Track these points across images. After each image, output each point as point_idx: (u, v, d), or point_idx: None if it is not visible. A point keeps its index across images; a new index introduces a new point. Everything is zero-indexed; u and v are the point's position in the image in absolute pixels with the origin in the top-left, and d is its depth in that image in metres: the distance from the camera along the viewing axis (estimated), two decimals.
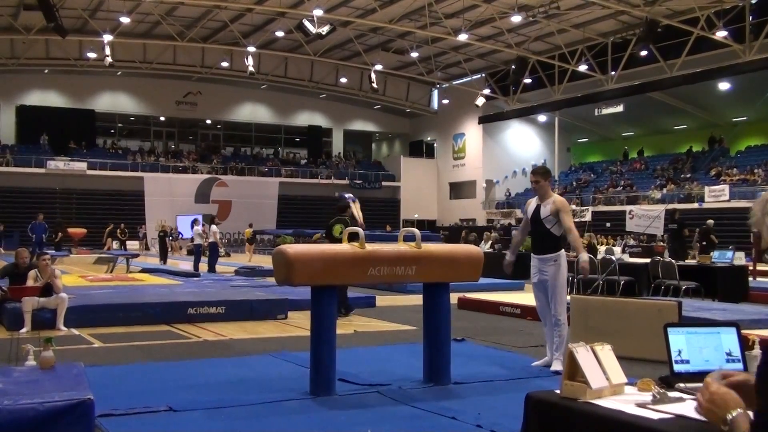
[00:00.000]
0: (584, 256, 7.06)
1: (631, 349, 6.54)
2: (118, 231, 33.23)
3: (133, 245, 35.45)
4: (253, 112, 48.23)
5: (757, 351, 3.26)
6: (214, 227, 21.74)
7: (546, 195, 6.82)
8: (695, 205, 32.25)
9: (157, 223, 35.30)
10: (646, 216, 30.10)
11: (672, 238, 19.03)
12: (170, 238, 32.52)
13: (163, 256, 27.50)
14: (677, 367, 2.81)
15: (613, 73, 33.98)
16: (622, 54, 33.07)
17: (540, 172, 6.94)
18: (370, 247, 5.64)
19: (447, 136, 48.09)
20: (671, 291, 12.98)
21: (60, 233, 27.69)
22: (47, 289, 9.24)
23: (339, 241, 10.93)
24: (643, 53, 31.57)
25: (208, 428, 4.67)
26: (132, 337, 8.81)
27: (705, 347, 2.85)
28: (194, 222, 23.09)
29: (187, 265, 24.59)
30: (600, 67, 34.70)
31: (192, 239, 31.12)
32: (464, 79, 42.96)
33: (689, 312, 8.91)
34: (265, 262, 22.65)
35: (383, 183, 47.41)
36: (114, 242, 35.08)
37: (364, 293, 13.00)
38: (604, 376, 2.72)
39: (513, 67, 36.40)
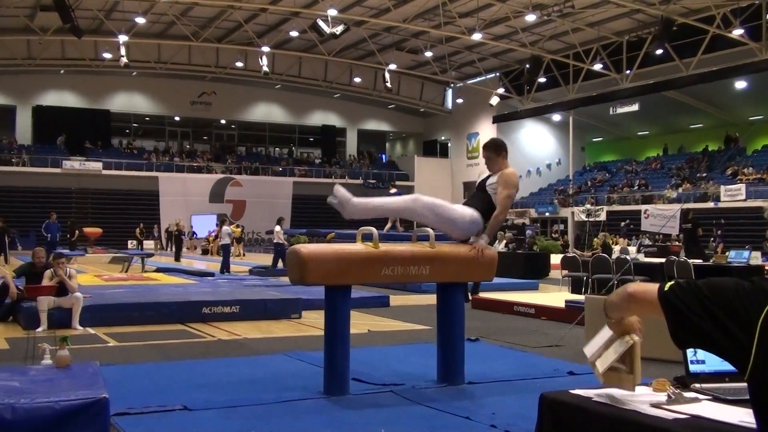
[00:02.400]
0: (484, 240, 5.88)
1: (646, 349, 6.47)
2: (137, 231, 33.80)
3: (148, 244, 35.71)
4: (267, 112, 48.34)
5: None
6: (278, 228, 21.53)
7: (496, 168, 6.00)
8: (711, 205, 32.06)
9: (171, 223, 35.76)
10: (662, 215, 29.92)
11: (686, 238, 18.92)
12: (185, 236, 33.12)
13: (177, 255, 27.76)
14: (693, 368, 2.79)
15: (628, 71, 33.81)
16: (637, 53, 32.89)
17: (489, 146, 6.12)
18: (384, 246, 5.64)
19: (461, 136, 48.01)
20: None
21: (76, 232, 27.88)
22: (63, 289, 9.31)
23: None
24: (659, 52, 31.37)
25: (223, 427, 4.68)
26: (147, 336, 8.86)
27: None
28: (222, 222, 22.98)
29: (201, 264, 24.70)
30: (615, 66, 34.54)
31: (217, 237, 31.67)
32: (478, 79, 42.89)
33: None
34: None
35: (397, 183, 47.41)
36: (131, 242, 35.56)
37: (378, 293, 13.02)
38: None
39: (527, 66, 36.30)
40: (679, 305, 1.93)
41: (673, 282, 1.99)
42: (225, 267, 20.28)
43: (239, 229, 34.38)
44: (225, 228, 21.55)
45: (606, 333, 2.61)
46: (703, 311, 1.88)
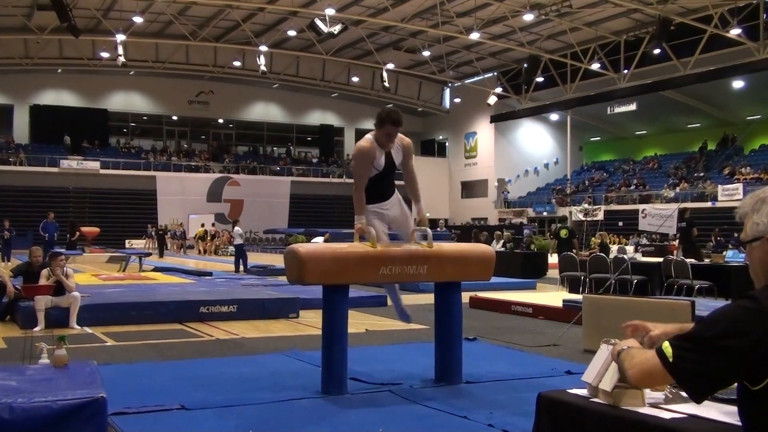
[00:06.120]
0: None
1: None
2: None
3: (141, 244, 35.74)
4: (265, 112, 48.33)
5: None
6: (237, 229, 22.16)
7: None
8: (708, 204, 32.11)
9: (172, 222, 36.63)
10: (659, 215, 29.97)
11: (681, 237, 18.93)
12: (168, 235, 34.54)
13: (161, 252, 29.91)
14: None
15: (625, 71, 33.86)
16: (634, 52, 32.95)
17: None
18: (382, 246, 5.64)
19: (459, 135, 48.05)
20: (684, 290, 12.91)
21: (77, 233, 27.83)
22: (60, 288, 9.30)
23: (563, 240, 16.38)
24: (656, 51, 31.44)
25: (221, 427, 4.68)
26: (145, 335, 8.85)
27: None
28: (235, 222, 23.52)
29: (200, 264, 24.68)
30: (612, 66, 34.58)
31: (215, 237, 32.84)
32: (476, 78, 42.91)
33: (702, 311, 8.82)
34: (276, 261, 22.70)
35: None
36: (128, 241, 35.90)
37: (376, 292, 13.00)
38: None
39: (525, 65, 36.35)
40: (695, 367, 1.87)
41: (669, 348, 1.92)
42: (244, 266, 20.89)
43: (202, 229, 35.97)
44: (237, 229, 22.12)
45: (603, 355, 2.62)
46: (720, 354, 1.83)
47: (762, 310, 1.82)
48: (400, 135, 5.75)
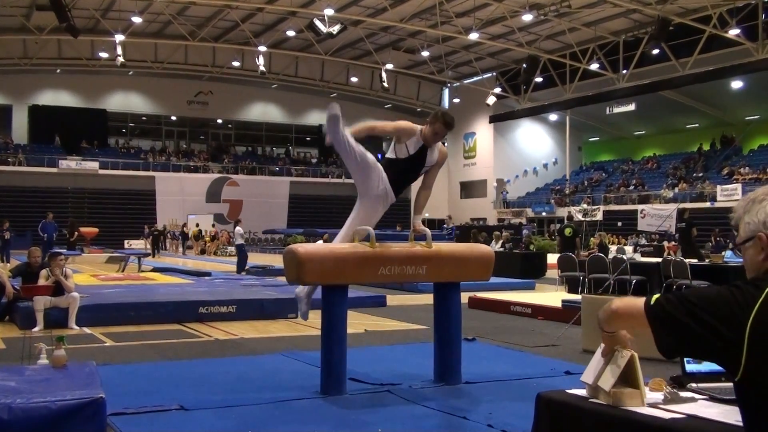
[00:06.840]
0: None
1: (643, 349, 6.49)
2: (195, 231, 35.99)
3: (139, 244, 35.79)
4: (263, 112, 48.31)
5: None
6: (239, 229, 22.34)
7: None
8: (707, 204, 32.11)
9: (171, 222, 36.77)
10: (658, 215, 30.00)
11: (680, 237, 18.93)
12: (166, 236, 34.98)
13: (153, 252, 30.33)
14: (689, 367, 2.80)
15: (624, 71, 33.85)
16: (633, 52, 32.94)
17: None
18: (381, 246, 5.64)
19: (458, 135, 47.97)
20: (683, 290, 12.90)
21: (76, 233, 27.84)
22: (59, 288, 9.29)
23: (567, 239, 16.99)
24: (655, 52, 31.45)
25: (219, 427, 4.68)
26: (143, 335, 8.85)
27: None
28: (237, 222, 23.63)
29: (199, 264, 24.66)
30: (611, 66, 34.57)
31: (215, 238, 33.07)
32: (475, 78, 42.89)
33: None
34: (275, 261, 22.69)
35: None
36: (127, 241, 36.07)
37: (375, 292, 13.00)
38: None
39: (524, 66, 36.32)
40: (666, 316, 1.97)
41: (658, 295, 2.04)
42: (239, 266, 20.86)
43: (197, 228, 36.62)
44: (238, 229, 22.29)
45: (600, 355, 2.62)
46: (691, 318, 1.91)
47: (740, 301, 1.88)
48: (440, 144, 5.79)
